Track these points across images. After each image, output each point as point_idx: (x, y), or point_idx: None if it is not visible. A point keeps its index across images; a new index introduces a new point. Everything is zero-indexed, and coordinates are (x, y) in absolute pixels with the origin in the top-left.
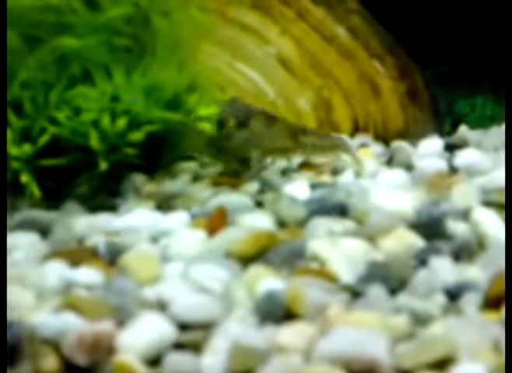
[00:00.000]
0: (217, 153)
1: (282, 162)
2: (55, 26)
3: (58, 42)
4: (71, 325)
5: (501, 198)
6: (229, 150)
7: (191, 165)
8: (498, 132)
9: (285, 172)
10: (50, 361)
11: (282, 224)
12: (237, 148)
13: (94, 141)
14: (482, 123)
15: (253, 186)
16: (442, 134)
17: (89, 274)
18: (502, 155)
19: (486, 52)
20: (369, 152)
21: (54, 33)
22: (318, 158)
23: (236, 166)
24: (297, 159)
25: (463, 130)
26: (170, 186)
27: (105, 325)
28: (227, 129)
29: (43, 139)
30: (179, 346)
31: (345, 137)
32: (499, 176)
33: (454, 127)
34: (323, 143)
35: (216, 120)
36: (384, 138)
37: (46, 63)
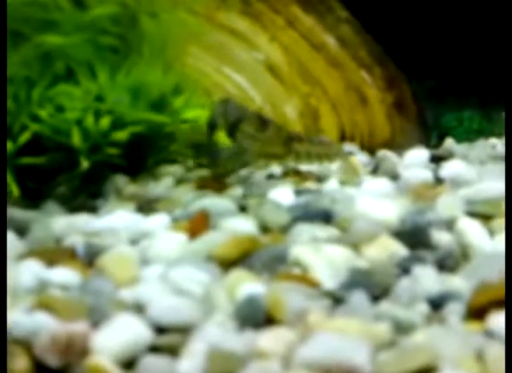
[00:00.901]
0: (202, 159)
1: (268, 168)
2: (40, 23)
3: (42, 38)
4: (44, 325)
5: (485, 209)
6: (216, 162)
7: (175, 169)
8: (484, 145)
9: (270, 178)
10: (21, 362)
11: (265, 229)
12: (225, 160)
13: (76, 140)
14: (468, 136)
15: (237, 191)
16: (428, 145)
17: (65, 274)
18: (487, 168)
19: (474, 67)
20: (355, 161)
21: (38, 30)
22: (311, 166)
23: (221, 170)
24: (284, 166)
25: (449, 142)
26: (152, 188)
27: (79, 326)
28: (215, 137)
29: (24, 136)
30: (155, 349)
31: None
32: (484, 188)
33: (441, 140)
34: (319, 151)
35: (207, 122)
36: (369, 148)
37: (29, 59)
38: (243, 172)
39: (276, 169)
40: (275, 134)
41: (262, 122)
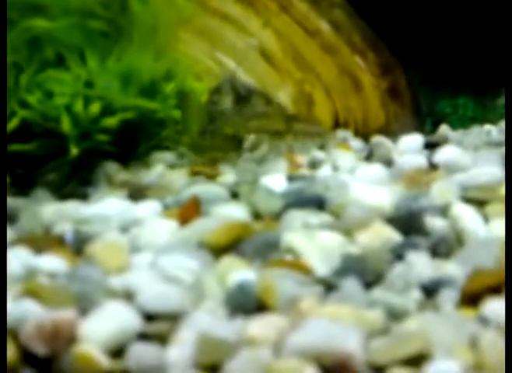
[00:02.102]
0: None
1: (260, 152)
2: (28, 7)
3: (30, 23)
4: (30, 312)
5: (480, 195)
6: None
7: (167, 155)
8: (479, 132)
9: (262, 162)
10: (8, 350)
11: (257, 216)
12: (234, 128)
13: (66, 126)
14: (463, 124)
15: (229, 178)
16: (422, 132)
17: (53, 262)
18: (482, 154)
19: (468, 53)
20: (349, 147)
21: (26, 14)
22: (307, 144)
23: (219, 152)
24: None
25: (444, 129)
26: (143, 175)
27: (66, 314)
28: (221, 106)
29: (13, 123)
30: (144, 337)
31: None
32: (478, 173)
33: (435, 127)
34: (313, 130)
35: (210, 94)
36: (364, 134)
37: (17, 45)
38: (248, 149)
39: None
40: (279, 110)
41: (266, 98)
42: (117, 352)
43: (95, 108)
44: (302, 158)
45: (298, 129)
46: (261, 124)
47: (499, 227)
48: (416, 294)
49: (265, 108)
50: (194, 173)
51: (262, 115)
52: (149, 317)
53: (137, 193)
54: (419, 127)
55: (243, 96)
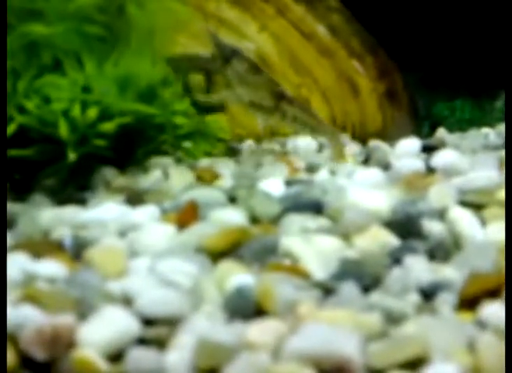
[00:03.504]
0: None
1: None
2: (24, 12)
3: (27, 28)
4: (29, 318)
5: (477, 198)
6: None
7: (165, 160)
8: (476, 135)
9: (260, 166)
10: (7, 355)
11: (255, 220)
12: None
13: (63, 131)
14: (460, 126)
15: (227, 182)
16: (420, 135)
17: (51, 267)
18: (479, 157)
19: (465, 56)
20: (347, 151)
21: (23, 19)
22: (296, 132)
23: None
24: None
25: (441, 132)
26: (141, 180)
27: (65, 319)
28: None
29: (11, 128)
30: (143, 341)
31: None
32: (476, 177)
33: (433, 130)
34: (306, 119)
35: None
36: (361, 138)
37: (14, 50)
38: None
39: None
40: (266, 83)
41: (254, 66)
42: (116, 356)
43: (92, 113)
44: (299, 163)
45: (288, 111)
46: (248, 94)
47: (496, 231)
48: (414, 298)
49: (252, 77)
50: (191, 178)
51: (249, 84)
52: (148, 321)
53: (135, 198)
54: (417, 130)
55: (226, 57)
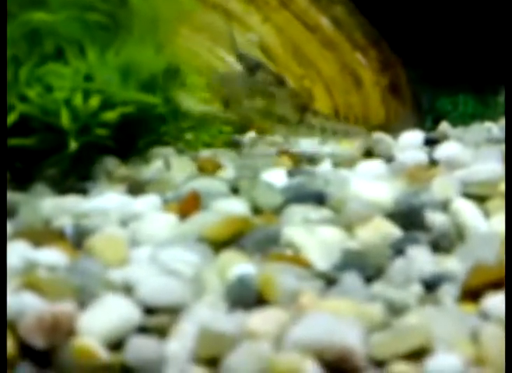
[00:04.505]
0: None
1: (262, 148)
2: (26, 0)
3: (29, 16)
4: (29, 305)
5: (480, 190)
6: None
7: (166, 151)
8: (479, 128)
9: (262, 157)
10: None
11: (257, 210)
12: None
13: (65, 120)
14: (463, 120)
15: (229, 172)
16: (423, 129)
17: (52, 255)
18: (482, 150)
19: (468, 51)
20: (350, 143)
21: (25, 7)
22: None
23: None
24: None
25: (444, 126)
26: (143, 170)
27: (65, 307)
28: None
29: (12, 117)
30: (144, 330)
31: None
32: (479, 169)
33: (436, 124)
34: (335, 127)
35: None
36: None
37: (16, 38)
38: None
39: (269, 149)
40: (290, 96)
41: (278, 79)
42: (117, 345)
43: (94, 102)
44: (302, 154)
45: (314, 123)
46: (268, 106)
47: (499, 222)
48: (417, 289)
49: (275, 89)
50: (193, 168)
51: (270, 95)
52: (149, 310)
53: (136, 188)
54: (419, 124)
55: (251, 67)
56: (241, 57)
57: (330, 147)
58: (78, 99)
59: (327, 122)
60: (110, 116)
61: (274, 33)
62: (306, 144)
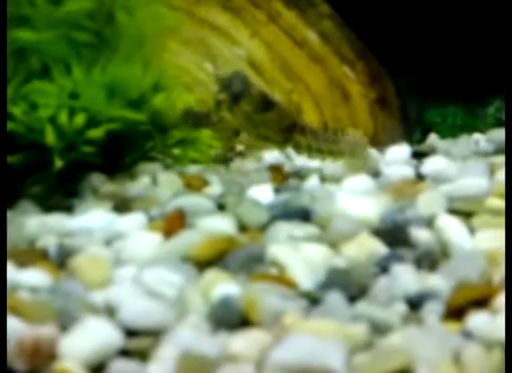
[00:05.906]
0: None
1: (250, 163)
2: (13, 19)
3: (15, 35)
4: (10, 328)
5: (466, 206)
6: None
7: (153, 166)
8: (467, 141)
9: (249, 175)
10: None
11: (243, 228)
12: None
13: (50, 138)
14: (452, 132)
15: (216, 189)
16: (411, 141)
17: (35, 276)
18: (470, 164)
19: (458, 62)
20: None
21: (11, 26)
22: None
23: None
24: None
25: (432, 138)
26: (129, 187)
27: (46, 330)
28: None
29: None
30: (125, 353)
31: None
32: (465, 184)
33: (425, 135)
34: (323, 147)
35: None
36: None
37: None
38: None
39: (257, 164)
40: (276, 119)
41: (265, 103)
42: (98, 368)
43: (80, 119)
44: (288, 169)
45: (301, 143)
46: (253, 128)
47: (485, 239)
48: (401, 308)
49: (260, 116)
50: (179, 185)
51: (256, 123)
52: (131, 333)
53: (122, 205)
54: (408, 136)
55: (234, 97)
56: (223, 86)
57: (317, 162)
58: (63, 117)
59: (315, 141)
60: (96, 133)
61: (262, 47)
62: (295, 159)
